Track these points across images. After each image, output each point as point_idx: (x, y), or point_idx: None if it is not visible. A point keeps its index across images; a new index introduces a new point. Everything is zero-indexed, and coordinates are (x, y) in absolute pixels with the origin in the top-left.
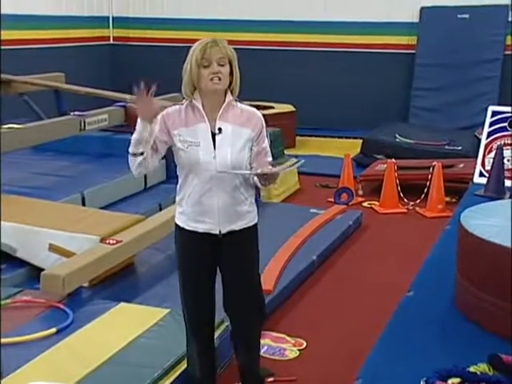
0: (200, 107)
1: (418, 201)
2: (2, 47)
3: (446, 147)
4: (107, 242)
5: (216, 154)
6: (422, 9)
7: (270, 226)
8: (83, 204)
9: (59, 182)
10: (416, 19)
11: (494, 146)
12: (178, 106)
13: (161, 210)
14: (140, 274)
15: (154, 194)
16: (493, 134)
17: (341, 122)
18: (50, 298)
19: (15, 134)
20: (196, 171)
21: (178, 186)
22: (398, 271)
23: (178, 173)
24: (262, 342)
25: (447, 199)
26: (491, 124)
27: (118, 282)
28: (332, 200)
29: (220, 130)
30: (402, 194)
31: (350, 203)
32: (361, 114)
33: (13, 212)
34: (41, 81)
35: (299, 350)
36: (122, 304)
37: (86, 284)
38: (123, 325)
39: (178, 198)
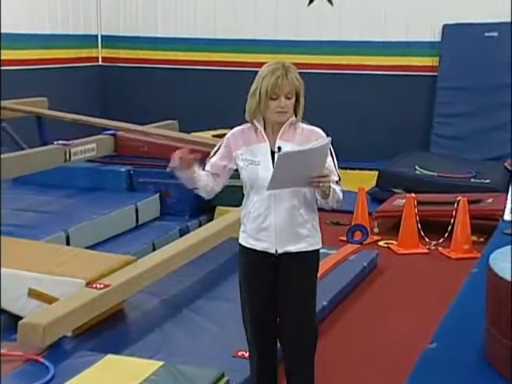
0: (262, 129)
1: (441, 240)
2: None
3: (472, 180)
4: (94, 286)
5: None
6: (445, 26)
7: None
8: (67, 243)
9: (41, 218)
10: (438, 38)
11: None
12: (241, 127)
13: (154, 249)
14: (130, 322)
15: (147, 232)
16: None
17: (354, 152)
18: (28, 350)
19: None
20: (256, 188)
21: (242, 203)
22: (419, 320)
23: (244, 191)
24: None
25: (474, 238)
26: None
27: (105, 332)
28: (344, 239)
29: (279, 148)
30: (422, 233)
31: (365, 242)
32: (377, 142)
33: None
34: (21, 106)
35: None
36: (110, 356)
37: (69, 334)
38: (111, 380)
39: (241, 215)
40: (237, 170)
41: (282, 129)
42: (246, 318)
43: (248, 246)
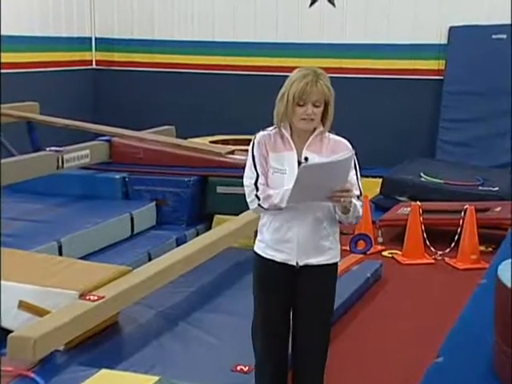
0: (288, 136)
1: (448, 250)
2: None
3: (480, 188)
4: (87, 298)
5: None
6: (451, 29)
7: None
8: (60, 254)
9: (32, 228)
10: (444, 40)
11: None
12: (267, 131)
13: (150, 260)
14: (125, 335)
15: (143, 242)
16: None
17: (357, 158)
18: (18, 364)
19: None
20: None
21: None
22: (425, 333)
23: None
24: None
25: (482, 248)
26: None
27: (98, 345)
28: (347, 248)
29: (306, 159)
30: (428, 242)
31: (368, 252)
32: (380, 148)
33: None
34: (11, 111)
35: None
36: (104, 371)
37: (61, 347)
38: None
39: (259, 224)
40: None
41: (311, 139)
42: (258, 329)
43: (266, 256)
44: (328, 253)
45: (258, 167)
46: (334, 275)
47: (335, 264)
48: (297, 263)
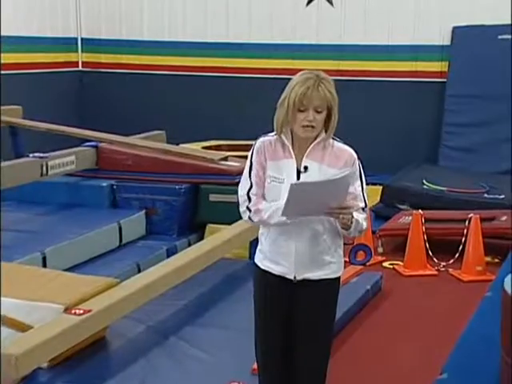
0: (289, 144)
1: (451, 261)
2: None
3: (485, 195)
4: (73, 312)
5: None
6: (455, 29)
7: None
8: (44, 265)
9: (14, 238)
10: (447, 41)
11: None
12: (268, 138)
13: (139, 271)
14: (112, 351)
15: (131, 253)
16: None
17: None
18: None
19: None
20: None
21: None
22: (427, 348)
23: None
24: None
25: (487, 259)
26: None
27: (84, 362)
28: (346, 259)
29: (306, 168)
30: (431, 253)
31: (368, 263)
32: (380, 154)
33: None
34: None
35: None
36: None
37: (44, 365)
38: None
39: (259, 233)
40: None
41: (311, 146)
42: (257, 340)
43: (263, 267)
44: (328, 267)
45: (252, 176)
46: (335, 290)
47: (337, 279)
48: (294, 277)
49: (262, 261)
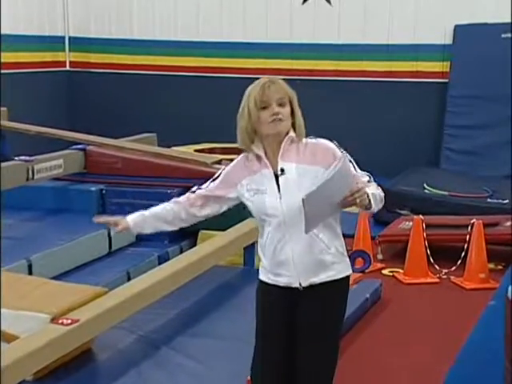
0: (262, 154)
1: (454, 268)
2: None
3: (489, 200)
4: (60, 321)
5: (282, 196)
6: (456, 27)
7: None
8: (30, 273)
9: None
10: (449, 40)
11: None
12: (236, 161)
13: (129, 279)
14: (101, 363)
15: (121, 260)
16: None
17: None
18: None
19: None
20: (266, 219)
21: (259, 236)
22: (429, 358)
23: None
24: None
25: (491, 266)
26: None
27: (71, 374)
28: None
29: (282, 170)
30: (432, 260)
31: (367, 270)
32: (380, 157)
33: None
34: None
35: None
36: None
37: (29, 377)
38: None
39: (258, 250)
40: (243, 204)
41: (282, 146)
42: (259, 363)
43: (270, 281)
44: (332, 267)
45: (211, 184)
46: (345, 292)
47: (344, 279)
48: (300, 284)
49: (266, 275)
